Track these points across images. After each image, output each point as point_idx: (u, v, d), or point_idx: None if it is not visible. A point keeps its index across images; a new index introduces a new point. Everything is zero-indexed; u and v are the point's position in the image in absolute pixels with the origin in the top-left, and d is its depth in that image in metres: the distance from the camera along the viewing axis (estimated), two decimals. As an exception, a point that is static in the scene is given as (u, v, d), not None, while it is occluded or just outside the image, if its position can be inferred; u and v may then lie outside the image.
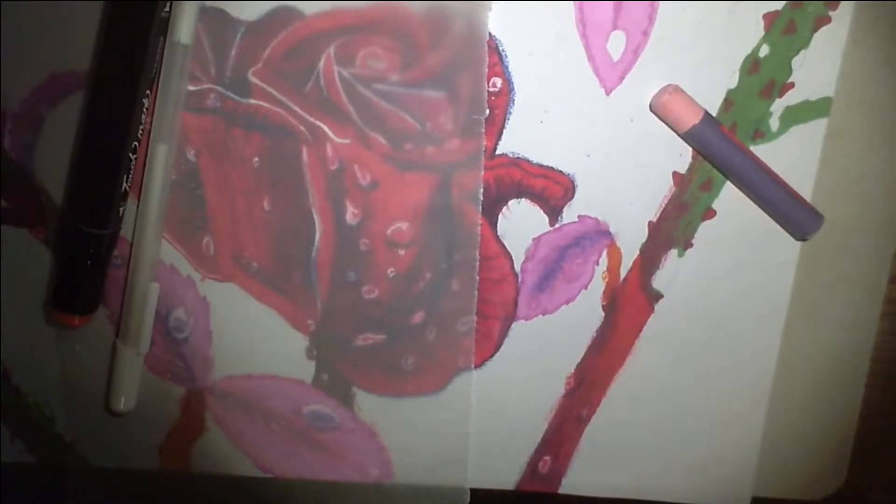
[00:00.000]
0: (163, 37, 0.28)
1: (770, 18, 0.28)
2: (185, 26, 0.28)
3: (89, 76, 0.29)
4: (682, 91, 0.28)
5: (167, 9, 0.28)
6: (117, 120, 0.28)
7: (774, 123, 0.29)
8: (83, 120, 0.30)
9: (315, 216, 0.31)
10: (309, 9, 0.28)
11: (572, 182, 0.30)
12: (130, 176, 0.29)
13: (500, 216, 0.31)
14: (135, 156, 0.29)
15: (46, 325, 0.33)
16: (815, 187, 0.30)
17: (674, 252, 0.31)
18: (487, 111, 0.29)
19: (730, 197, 0.30)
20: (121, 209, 0.29)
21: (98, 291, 0.31)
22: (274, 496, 0.35)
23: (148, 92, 0.28)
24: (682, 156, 0.30)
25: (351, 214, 0.31)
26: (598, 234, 0.31)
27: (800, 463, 0.34)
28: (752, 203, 0.30)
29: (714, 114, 0.29)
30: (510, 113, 0.29)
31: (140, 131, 0.29)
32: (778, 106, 0.29)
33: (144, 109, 0.28)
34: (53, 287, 0.30)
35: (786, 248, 0.31)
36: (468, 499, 0.34)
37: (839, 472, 0.34)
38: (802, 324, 0.32)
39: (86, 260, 0.29)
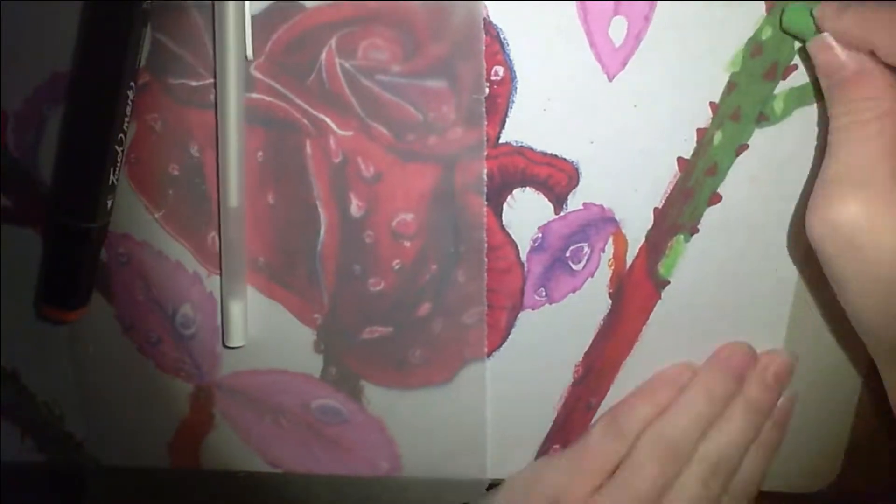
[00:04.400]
0: (145, 28, 0.28)
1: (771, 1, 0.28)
2: None
3: (72, 68, 0.29)
4: None
5: (149, 0, 0.27)
6: (101, 112, 0.28)
7: (778, 106, 0.29)
8: (67, 112, 0.30)
9: (319, 209, 0.31)
10: (310, 2, 0.28)
11: (576, 169, 0.30)
12: (117, 169, 0.29)
13: (505, 205, 0.31)
14: (121, 148, 0.29)
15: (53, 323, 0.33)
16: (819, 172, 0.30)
17: (680, 238, 0.31)
18: (487, 90, 0.29)
19: (736, 182, 0.30)
20: (109, 202, 0.29)
21: (89, 286, 0.31)
22: (285, 491, 0.35)
23: (132, 84, 0.28)
24: (686, 141, 0.30)
25: (355, 207, 0.31)
26: (603, 222, 0.31)
27: (795, 456, 0.34)
28: (758, 187, 0.30)
29: (717, 98, 0.29)
30: (513, 101, 0.29)
31: (125, 124, 0.28)
32: (781, 88, 0.29)
33: (129, 101, 0.28)
34: (43, 282, 0.30)
35: (792, 232, 0.31)
36: (485, 488, 0.34)
37: (833, 466, 0.34)
38: (801, 324, 0.32)
39: (74, 254, 0.29)
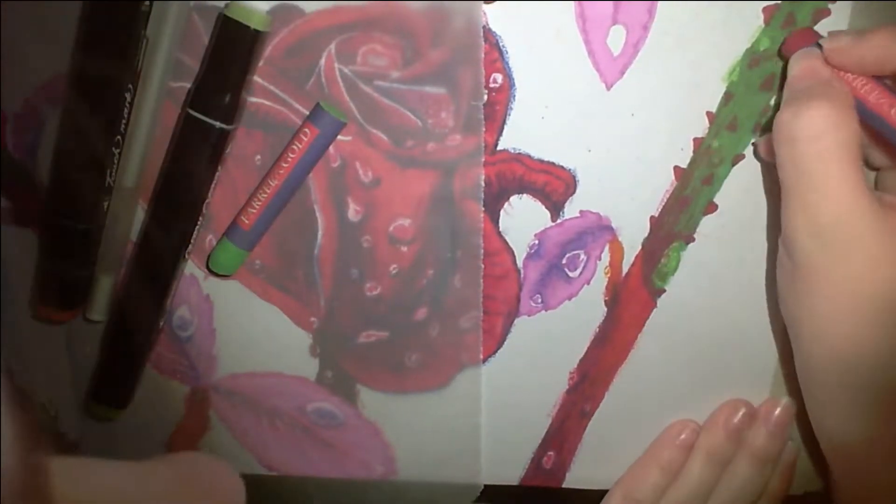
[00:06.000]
0: (144, 30, 0.28)
1: (770, 12, 0.28)
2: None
3: (72, 68, 0.29)
4: None
5: (148, 2, 0.27)
6: (100, 113, 0.28)
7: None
8: (65, 113, 0.30)
9: (317, 213, 0.31)
10: (310, 7, 0.28)
11: (574, 177, 0.30)
12: (115, 171, 0.29)
13: (502, 212, 0.31)
14: (118, 150, 0.29)
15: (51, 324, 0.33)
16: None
17: (676, 246, 0.31)
18: (486, 96, 0.29)
19: (731, 191, 0.30)
20: (105, 204, 0.29)
21: (84, 286, 0.31)
22: (280, 494, 0.35)
23: (130, 86, 0.28)
24: (683, 150, 0.30)
25: (353, 211, 0.31)
26: (599, 229, 0.31)
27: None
28: (753, 197, 0.30)
29: (714, 108, 0.29)
30: (511, 108, 0.29)
31: (123, 126, 0.28)
32: (778, 99, 0.29)
33: (127, 104, 0.28)
34: (39, 282, 0.30)
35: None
36: (478, 493, 0.34)
37: (822, 467, 0.34)
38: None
39: (70, 255, 0.29)
